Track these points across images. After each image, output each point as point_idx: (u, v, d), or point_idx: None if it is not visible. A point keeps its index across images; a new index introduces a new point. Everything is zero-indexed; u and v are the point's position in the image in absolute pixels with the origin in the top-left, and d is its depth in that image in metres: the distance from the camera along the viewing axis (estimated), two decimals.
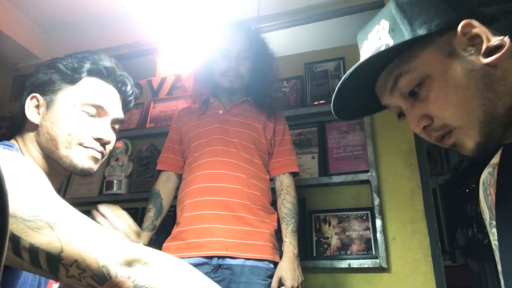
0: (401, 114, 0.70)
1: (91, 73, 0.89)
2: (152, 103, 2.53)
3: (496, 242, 0.74)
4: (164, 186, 1.66)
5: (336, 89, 0.69)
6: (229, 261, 1.39)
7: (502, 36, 0.61)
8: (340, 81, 0.67)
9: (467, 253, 4.35)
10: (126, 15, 2.71)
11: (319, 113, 2.10)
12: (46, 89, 0.87)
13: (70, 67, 0.88)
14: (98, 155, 0.87)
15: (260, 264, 1.42)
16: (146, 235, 1.57)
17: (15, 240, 0.56)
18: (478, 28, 0.62)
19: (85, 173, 0.87)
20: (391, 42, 0.65)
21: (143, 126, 2.46)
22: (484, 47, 0.61)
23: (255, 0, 2.42)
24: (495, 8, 2.84)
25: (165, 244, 1.50)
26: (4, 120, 2.74)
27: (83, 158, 0.85)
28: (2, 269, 0.30)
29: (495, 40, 0.61)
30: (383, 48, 0.64)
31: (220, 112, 1.65)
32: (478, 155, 0.64)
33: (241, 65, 1.64)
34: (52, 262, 0.57)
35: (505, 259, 0.64)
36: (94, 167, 0.88)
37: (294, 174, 1.65)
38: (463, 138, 0.63)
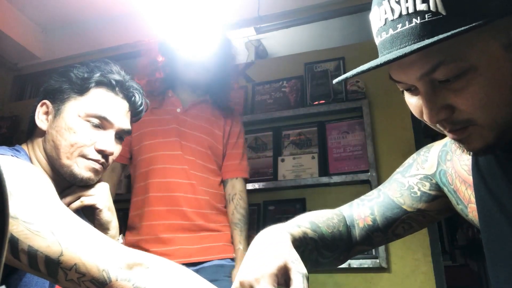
0: (407, 90, 0.59)
1: (100, 84, 0.90)
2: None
3: (418, 190, 0.76)
4: (110, 177, 1.58)
5: (363, 70, 0.54)
6: (192, 266, 1.39)
7: None
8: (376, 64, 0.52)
9: (467, 253, 4.35)
10: (126, 15, 2.70)
11: (319, 113, 2.10)
12: (56, 97, 0.88)
13: (80, 76, 0.89)
14: (99, 167, 0.88)
15: (224, 262, 1.45)
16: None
17: (14, 242, 0.57)
18: None
19: (84, 183, 0.87)
20: (442, 11, 0.48)
21: None
22: None
23: (255, 0, 2.42)
24: None
25: None
26: (4, 120, 2.74)
27: (83, 169, 0.85)
28: (2, 269, 0.30)
29: None
30: (428, 17, 0.49)
31: (178, 110, 1.59)
32: (478, 155, 0.61)
33: (207, 58, 1.58)
34: (50, 266, 0.57)
35: (490, 249, 0.64)
36: (94, 178, 0.88)
37: (246, 181, 1.64)
38: (476, 137, 0.55)
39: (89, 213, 0.92)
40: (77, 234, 0.60)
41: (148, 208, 1.47)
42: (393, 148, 1.94)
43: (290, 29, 2.47)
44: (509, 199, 0.60)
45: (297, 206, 2.01)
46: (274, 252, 0.57)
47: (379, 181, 1.88)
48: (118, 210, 1.00)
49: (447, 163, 0.74)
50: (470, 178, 0.68)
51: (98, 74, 0.89)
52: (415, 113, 0.60)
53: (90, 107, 0.87)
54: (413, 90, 0.58)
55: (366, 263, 1.77)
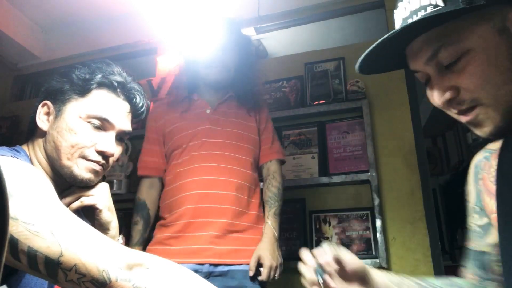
0: (427, 82, 0.66)
1: (101, 85, 0.89)
2: (152, 103, 2.53)
3: (476, 227, 0.77)
4: (149, 194, 1.59)
5: (372, 47, 0.63)
6: (221, 268, 1.39)
7: None
8: (379, 41, 0.62)
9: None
10: (126, 15, 2.71)
11: (319, 113, 2.10)
12: (57, 97, 0.88)
13: (81, 77, 0.88)
14: (99, 168, 0.88)
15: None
16: (137, 249, 1.55)
17: (13, 243, 0.57)
18: None
19: (85, 184, 0.87)
20: (440, 3, 0.57)
21: (143, 126, 2.45)
22: None
23: (255, 0, 2.42)
24: None
25: (149, 247, 1.49)
26: (4, 120, 2.74)
27: (84, 170, 0.85)
28: (2, 269, 0.30)
29: None
30: (429, 9, 0.58)
31: (208, 111, 1.60)
32: (492, 138, 0.63)
33: (227, 56, 1.59)
34: (50, 266, 0.57)
35: (506, 248, 0.64)
36: (94, 179, 0.88)
37: (281, 162, 1.67)
38: (484, 118, 0.60)
39: (89, 214, 0.92)
40: (77, 235, 0.60)
41: (183, 207, 1.46)
42: (393, 148, 1.94)
43: (290, 29, 2.47)
44: None
45: (297, 206, 2.01)
46: None
47: (379, 181, 1.88)
48: (118, 210, 1.00)
49: (479, 182, 0.76)
50: (494, 187, 0.69)
51: (99, 75, 0.89)
52: (434, 103, 0.66)
53: (91, 108, 0.87)
54: (429, 83, 0.65)
55: (366, 263, 1.77)
